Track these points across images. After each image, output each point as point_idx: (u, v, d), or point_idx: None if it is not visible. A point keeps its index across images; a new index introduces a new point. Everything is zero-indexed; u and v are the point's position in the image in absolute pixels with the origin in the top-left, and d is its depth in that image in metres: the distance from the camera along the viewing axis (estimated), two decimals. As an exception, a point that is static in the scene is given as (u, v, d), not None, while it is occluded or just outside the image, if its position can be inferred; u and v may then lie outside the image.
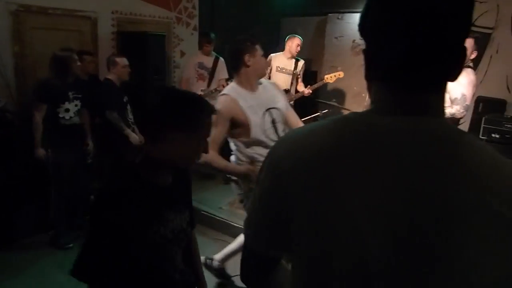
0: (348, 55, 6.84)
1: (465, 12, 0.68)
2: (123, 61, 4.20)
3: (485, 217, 0.63)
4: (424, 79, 0.70)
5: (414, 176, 0.66)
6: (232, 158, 2.74)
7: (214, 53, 5.33)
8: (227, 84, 4.97)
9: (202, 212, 4.34)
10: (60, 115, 3.69)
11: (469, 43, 3.66)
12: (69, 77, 3.73)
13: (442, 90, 0.73)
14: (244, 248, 0.93)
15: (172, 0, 5.68)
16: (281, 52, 5.35)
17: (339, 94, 6.87)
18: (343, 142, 0.74)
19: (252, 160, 2.61)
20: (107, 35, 4.99)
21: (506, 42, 5.59)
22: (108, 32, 5.00)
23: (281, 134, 2.62)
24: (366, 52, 0.77)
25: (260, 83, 2.70)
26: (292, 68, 5.29)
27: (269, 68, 5.27)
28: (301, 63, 5.41)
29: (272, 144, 2.48)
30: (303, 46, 7.34)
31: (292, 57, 5.28)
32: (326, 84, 6.93)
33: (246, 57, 2.53)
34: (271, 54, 5.34)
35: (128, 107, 4.35)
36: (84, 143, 4.01)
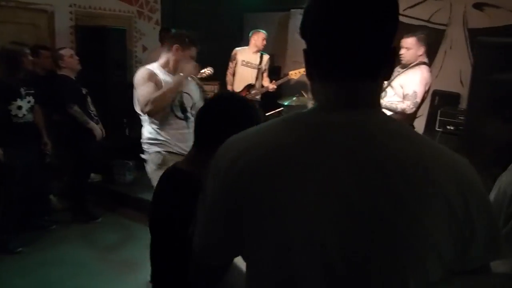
0: (310, 50, 6.92)
1: (384, 16, 0.73)
2: (67, 51, 4.07)
3: (429, 208, 0.68)
4: (356, 68, 0.74)
5: (359, 171, 0.70)
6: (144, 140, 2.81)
7: None
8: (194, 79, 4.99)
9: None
10: (13, 113, 3.49)
11: (410, 42, 3.79)
12: (20, 72, 3.54)
13: (375, 79, 0.76)
14: (192, 259, 0.90)
15: (133, -7, 5.58)
16: (246, 47, 5.36)
17: (303, 88, 6.95)
18: (288, 142, 0.75)
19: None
20: (65, 29, 4.84)
21: (458, 38, 5.83)
22: (66, 26, 4.85)
23: (188, 116, 2.80)
24: (306, 52, 0.79)
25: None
26: (257, 63, 5.31)
27: (235, 62, 5.26)
28: (266, 57, 5.44)
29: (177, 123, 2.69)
30: (267, 41, 7.41)
31: (258, 51, 5.30)
32: (289, 80, 7.05)
33: (175, 47, 2.69)
34: (236, 48, 5.34)
35: (88, 99, 4.24)
36: (42, 143, 3.85)
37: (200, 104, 2.87)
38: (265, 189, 0.74)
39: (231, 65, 5.29)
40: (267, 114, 5.79)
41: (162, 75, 2.70)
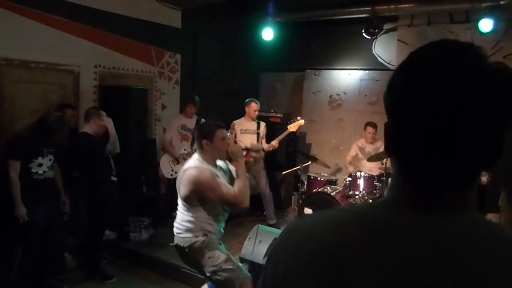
0: (325, 109, 7.04)
1: (503, 103, 0.59)
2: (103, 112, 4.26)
3: None
4: (453, 175, 0.61)
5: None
6: (181, 230, 2.89)
7: (195, 116, 5.47)
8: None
9: (183, 269, 4.19)
10: (33, 170, 3.54)
11: None
12: (50, 138, 3.61)
13: (474, 185, 0.63)
14: None
15: (155, 55, 5.80)
16: (243, 117, 5.54)
17: (317, 147, 7.00)
18: (343, 244, 0.64)
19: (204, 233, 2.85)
20: (88, 88, 5.00)
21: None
22: (90, 85, 5.01)
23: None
24: (388, 126, 0.68)
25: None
26: (255, 129, 5.50)
27: (234, 132, 5.49)
28: (262, 124, 5.64)
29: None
30: (282, 100, 7.59)
31: (253, 120, 5.47)
32: (305, 138, 7.12)
33: (204, 143, 2.84)
34: (234, 122, 5.56)
35: (108, 153, 4.30)
36: (60, 201, 3.87)
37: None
38: None
39: (230, 135, 5.43)
40: (284, 172, 5.81)
41: (213, 170, 2.84)
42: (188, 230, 2.84)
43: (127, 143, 4.93)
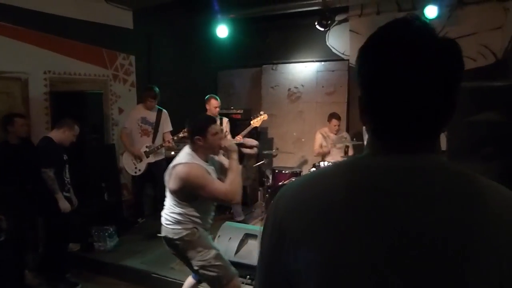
0: (285, 103, 7.09)
1: (451, 65, 0.71)
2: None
3: (492, 244, 0.67)
4: (418, 129, 0.73)
5: (431, 216, 0.68)
6: (169, 221, 2.85)
7: (157, 107, 5.27)
8: (173, 140, 4.96)
9: (153, 274, 4.10)
10: None
11: None
12: None
13: (436, 137, 0.76)
14: None
15: (108, 57, 5.62)
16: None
17: (280, 141, 7.03)
18: (346, 192, 0.73)
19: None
20: (39, 95, 4.77)
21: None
22: (40, 92, 4.78)
23: None
24: (360, 99, 0.78)
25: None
26: (218, 125, 5.42)
27: None
28: (225, 120, 5.62)
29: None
30: (241, 97, 7.56)
31: (215, 116, 5.39)
32: (266, 132, 7.14)
33: (196, 139, 2.78)
34: None
35: (67, 166, 4.12)
36: None
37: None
38: (335, 238, 0.72)
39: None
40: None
41: (204, 166, 2.78)
42: (177, 222, 2.79)
43: (85, 150, 4.76)
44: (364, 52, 0.77)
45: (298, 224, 0.75)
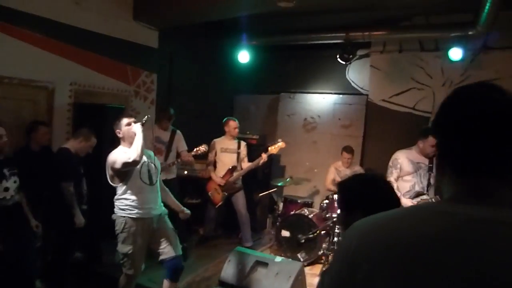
0: (300, 132, 7.14)
1: None
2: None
3: None
4: (496, 168, 0.81)
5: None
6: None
7: (171, 127, 5.34)
8: (191, 156, 5.04)
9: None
10: (0, 196, 3.28)
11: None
12: (1, 153, 3.38)
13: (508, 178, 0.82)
14: None
15: (131, 74, 5.72)
16: (223, 136, 5.53)
17: (292, 169, 7.04)
18: (423, 236, 0.76)
19: None
20: (63, 105, 4.85)
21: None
22: (64, 103, 4.86)
23: (153, 181, 3.53)
24: (440, 146, 0.88)
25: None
26: (236, 148, 5.49)
27: (214, 151, 5.47)
28: (243, 144, 5.64)
29: None
30: (256, 122, 7.62)
31: (233, 138, 5.47)
32: (279, 160, 7.16)
33: (117, 132, 3.63)
34: (214, 140, 5.56)
35: (83, 178, 4.15)
36: (33, 225, 3.62)
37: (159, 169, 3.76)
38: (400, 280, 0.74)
39: (210, 155, 5.44)
40: (260, 194, 5.79)
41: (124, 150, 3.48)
42: (116, 207, 3.46)
43: (102, 162, 4.78)
44: (447, 111, 0.88)
45: (374, 265, 0.78)
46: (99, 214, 4.56)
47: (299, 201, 5.67)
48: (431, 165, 4.23)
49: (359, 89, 6.74)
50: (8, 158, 3.49)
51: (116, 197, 3.47)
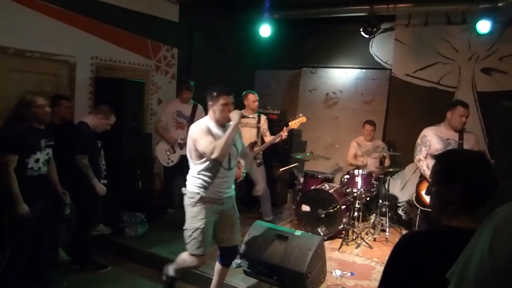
0: (321, 107, 7.04)
1: None
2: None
3: None
4: None
5: None
6: (187, 180, 3.21)
7: (192, 101, 5.33)
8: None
9: (180, 265, 4.12)
10: (29, 166, 3.31)
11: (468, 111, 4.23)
12: (42, 124, 3.45)
13: None
14: None
15: (152, 48, 5.71)
16: (243, 110, 5.39)
17: (312, 145, 6.98)
18: None
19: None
20: (84, 80, 4.90)
21: (468, 101, 5.92)
22: (85, 77, 4.91)
23: (231, 165, 3.21)
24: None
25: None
26: (256, 122, 5.38)
27: None
28: (263, 118, 5.51)
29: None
30: (277, 98, 7.55)
31: (253, 112, 5.37)
32: (300, 135, 7.10)
33: (209, 105, 3.16)
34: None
35: (102, 152, 4.20)
36: (58, 195, 3.72)
37: (243, 150, 3.43)
38: None
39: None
40: (281, 169, 5.78)
41: (214, 129, 3.11)
42: (191, 182, 3.16)
43: (122, 137, 4.85)
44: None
45: None
46: (119, 188, 4.66)
47: (319, 176, 5.64)
48: (461, 141, 4.16)
49: (382, 63, 6.56)
50: (47, 129, 3.55)
51: (190, 174, 3.19)
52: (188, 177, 3.20)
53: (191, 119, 5.25)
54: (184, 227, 3.16)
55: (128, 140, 4.92)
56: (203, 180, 3.10)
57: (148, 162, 5.42)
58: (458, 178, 1.39)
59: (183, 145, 5.12)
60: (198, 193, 3.09)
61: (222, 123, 3.14)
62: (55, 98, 4.17)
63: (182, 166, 5.20)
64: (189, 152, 3.14)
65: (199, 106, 5.32)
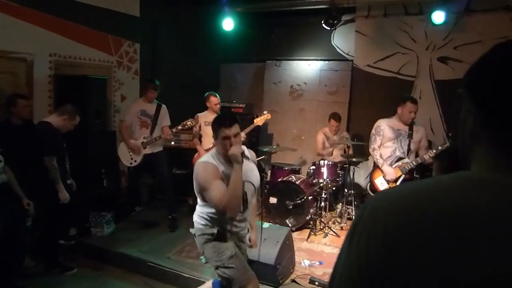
0: (286, 100, 7.11)
1: None
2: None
3: None
4: None
5: None
6: (196, 218, 2.84)
7: (156, 101, 5.27)
8: (172, 132, 4.95)
9: (149, 263, 4.11)
10: None
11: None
12: None
13: None
14: None
15: (113, 44, 5.59)
16: (206, 111, 5.38)
17: (279, 137, 7.05)
18: (470, 205, 0.66)
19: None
20: (43, 78, 4.75)
21: (426, 89, 6.19)
22: (44, 75, 4.76)
23: (247, 206, 2.78)
24: (480, 110, 0.75)
25: (246, 157, 2.77)
26: None
27: (198, 125, 5.28)
28: None
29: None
30: (243, 91, 7.57)
31: (216, 113, 5.35)
32: (266, 128, 7.16)
33: (213, 137, 2.77)
34: (197, 114, 5.32)
35: (66, 154, 4.09)
36: (24, 204, 3.57)
37: (258, 185, 2.91)
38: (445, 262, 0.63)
39: (195, 129, 5.28)
40: (248, 162, 5.81)
41: (222, 167, 2.67)
42: (201, 219, 2.79)
43: (86, 135, 4.75)
44: (496, 68, 0.74)
45: (413, 242, 0.66)
46: (84, 188, 4.56)
47: (286, 168, 5.72)
48: (410, 131, 4.49)
49: (344, 55, 6.69)
50: None
51: (197, 212, 2.84)
52: (196, 214, 2.86)
53: (155, 118, 5.18)
54: (214, 267, 2.78)
55: (92, 138, 4.83)
56: (214, 223, 2.75)
57: (113, 160, 5.32)
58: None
59: (146, 144, 5.05)
60: (211, 228, 2.74)
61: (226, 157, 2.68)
62: (12, 97, 4.03)
63: (148, 164, 5.18)
64: (196, 191, 2.73)
65: (163, 106, 5.26)
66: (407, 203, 0.71)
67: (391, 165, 4.47)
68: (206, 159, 2.70)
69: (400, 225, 0.68)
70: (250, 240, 3.01)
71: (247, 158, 2.77)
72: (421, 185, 0.75)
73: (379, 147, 4.56)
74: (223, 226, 2.74)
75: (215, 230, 2.72)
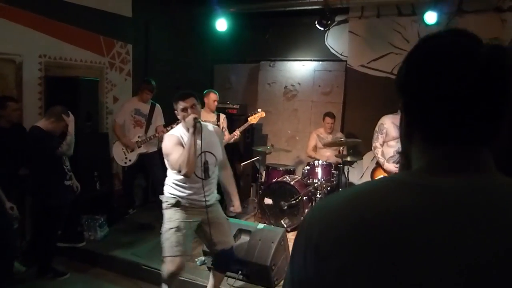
0: (280, 100, 7.08)
1: (497, 83, 0.69)
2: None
3: None
4: (475, 134, 0.70)
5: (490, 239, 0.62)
6: (164, 188, 3.19)
7: (150, 100, 5.22)
8: (167, 131, 4.91)
9: (143, 266, 4.06)
10: None
11: None
12: None
13: (488, 145, 0.73)
14: None
15: (105, 45, 5.53)
16: (202, 109, 5.33)
17: (274, 138, 7.02)
18: (397, 210, 0.66)
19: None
20: (33, 80, 4.67)
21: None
22: (34, 76, 4.68)
23: (210, 175, 3.08)
24: (408, 109, 0.76)
25: (209, 129, 3.19)
26: (215, 120, 5.33)
27: None
28: (222, 116, 5.46)
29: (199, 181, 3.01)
30: (237, 92, 7.53)
31: (212, 111, 5.33)
32: (261, 129, 7.12)
33: (176, 110, 3.09)
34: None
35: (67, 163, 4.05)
36: (7, 208, 3.48)
37: (223, 159, 3.28)
38: (377, 261, 0.64)
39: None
40: (242, 164, 5.78)
41: (184, 137, 3.01)
42: (167, 187, 3.14)
43: (78, 138, 4.67)
44: (419, 66, 0.74)
45: (341, 247, 0.68)
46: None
47: (281, 168, 5.69)
48: None
49: (338, 55, 6.67)
50: None
51: (166, 181, 3.16)
52: (165, 183, 3.17)
53: (150, 118, 5.15)
54: (160, 231, 3.13)
55: (84, 140, 4.75)
56: (179, 190, 3.07)
57: (106, 162, 5.27)
58: None
59: (141, 143, 5.01)
60: (174, 198, 3.07)
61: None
62: (1, 100, 3.98)
63: (141, 164, 5.13)
64: (166, 160, 3.08)
65: (157, 106, 5.23)
66: (340, 214, 0.71)
67: (394, 164, 4.42)
68: (172, 132, 3.12)
69: (335, 236, 0.69)
70: (234, 206, 3.42)
71: (210, 131, 3.18)
72: (353, 192, 0.76)
73: (381, 145, 4.50)
74: (185, 193, 3.04)
75: (174, 201, 3.05)
